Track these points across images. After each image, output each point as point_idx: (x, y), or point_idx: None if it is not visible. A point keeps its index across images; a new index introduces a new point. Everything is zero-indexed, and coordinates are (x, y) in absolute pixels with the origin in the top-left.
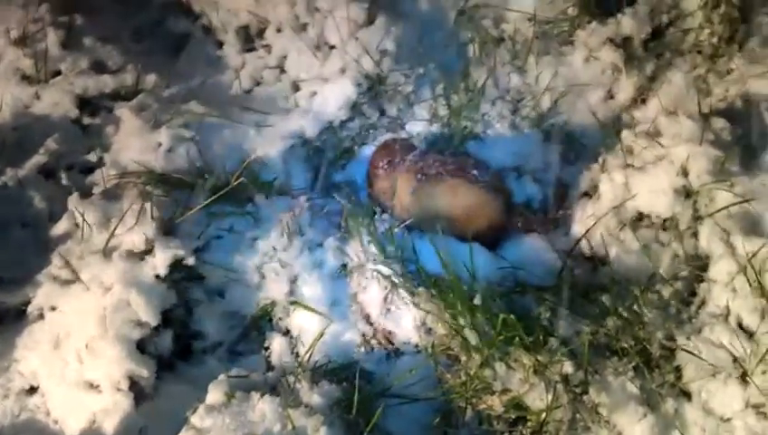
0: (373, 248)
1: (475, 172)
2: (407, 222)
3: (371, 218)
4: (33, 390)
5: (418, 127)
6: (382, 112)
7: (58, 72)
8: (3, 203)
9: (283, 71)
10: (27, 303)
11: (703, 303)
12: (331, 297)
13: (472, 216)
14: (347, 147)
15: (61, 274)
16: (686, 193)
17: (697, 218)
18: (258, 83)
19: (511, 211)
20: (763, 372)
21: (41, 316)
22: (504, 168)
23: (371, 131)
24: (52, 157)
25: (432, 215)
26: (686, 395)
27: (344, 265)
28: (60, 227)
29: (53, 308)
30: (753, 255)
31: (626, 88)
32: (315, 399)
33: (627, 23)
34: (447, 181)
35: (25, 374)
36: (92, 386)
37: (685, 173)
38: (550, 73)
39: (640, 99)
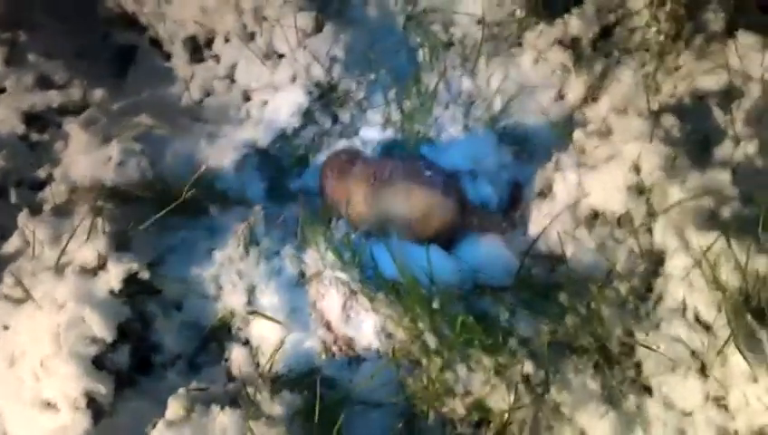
0: (330, 255)
1: (428, 174)
2: (363, 228)
3: (327, 226)
4: None
5: (372, 133)
6: (335, 119)
7: (3, 90)
8: None
9: (232, 80)
10: None
11: (660, 298)
12: (290, 306)
13: (426, 218)
14: (301, 155)
15: (12, 292)
16: (639, 190)
17: (651, 214)
18: (208, 94)
19: (466, 212)
20: (722, 365)
21: None
22: (458, 170)
23: (325, 138)
24: (1, 174)
25: (386, 219)
26: (647, 390)
27: (302, 273)
28: (10, 245)
29: (6, 327)
30: (708, 248)
31: (576, 88)
32: (276, 409)
33: (574, 23)
34: (400, 185)
35: None
36: (49, 405)
37: (637, 170)
38: (500, 76)
39: (591, 98)
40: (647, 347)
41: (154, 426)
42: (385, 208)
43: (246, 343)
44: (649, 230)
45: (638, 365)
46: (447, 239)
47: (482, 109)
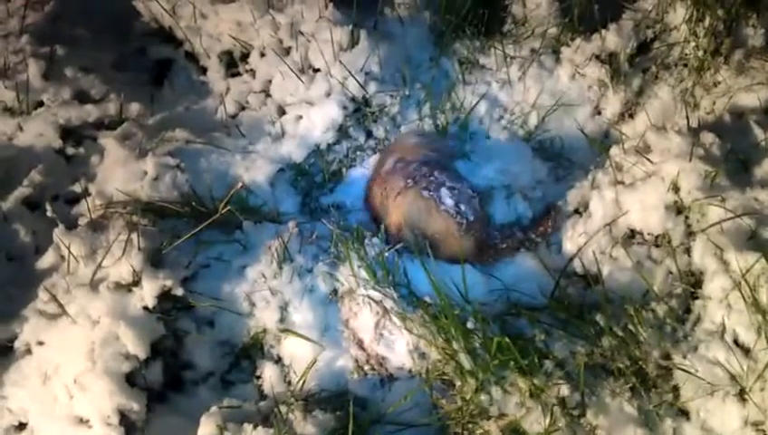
0: (364, 273)
1: (449, 202)
2: (397, 246)
3: (361, 243)
4: (22, 426)
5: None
6: (369, 134)
7: (40, 103)
8: None
9: (268, 95)
10: (14, 338)
11: (698, 320)
12: (323, 324)
13: (444, 241)
14: (334, 170)
15: (47, 308)
16: (678, 209)
17: (690, 234)
18: (243, 108)
19: (486, 245)
20: (761, 389)
21: (28, 351)
22: (493, 186)
23: (359, 153)
24: (37, 188)
25: (418, 236)
26: (685, 414)
27: (335, 291)
28: (45, 260)
29: (41, 343)
30: (748, 270)
31: (613, 104)
32: (309, 429)
33: (611, 38)
34: (422, 202)
35: (14, 411)
36: (82, 421)
37: (676, 189)
38: (536, 91)
39: (628, 114)
40: (684, 370)
41: None
42: (416, 224)
43: (278, 360)
44: (687, 251)
45: (675, 389)
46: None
47: (517, 124)
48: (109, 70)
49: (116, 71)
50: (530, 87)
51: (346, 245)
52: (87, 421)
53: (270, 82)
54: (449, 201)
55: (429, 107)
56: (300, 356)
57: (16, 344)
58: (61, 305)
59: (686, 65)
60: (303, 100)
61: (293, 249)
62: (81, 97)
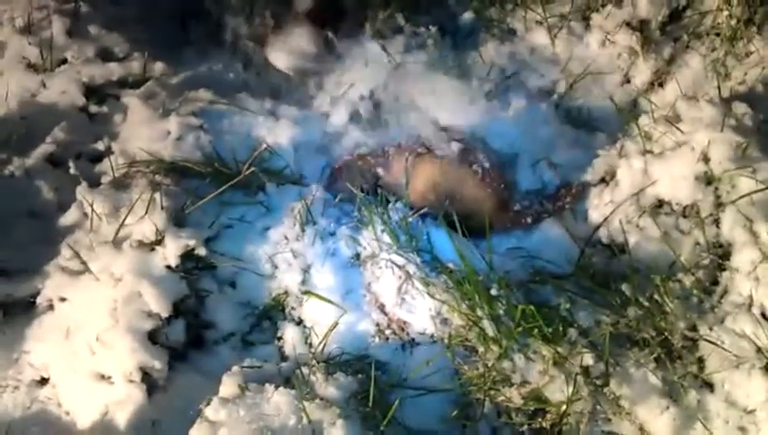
0: (387, 238)
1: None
2: (421, 211)
3: (385, 207)
4: (44, 381)
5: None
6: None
7: (64, 61)
8: (10, 193)
9: None
10: (36, 294)
11: (725, 292)
12: (345, 287)
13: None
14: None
15: (70, 265)
16: (708, 180)
17: (719, 205)
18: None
19: (508, 207)
20: None
21: (50, 308)
22: (518, 153)
23: (379, 117)
24: (60, 146)
25: (441, 200)
26: (709, 386)
27: (357, 255)
28: (68, 218)
29: (63, 299)
30: None
31: (643, 72)
32: (331, 391)
33: (643, 5)
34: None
35: (36, 366)
36: (104, 377)
37: (706, 159)
38: (565, 57)
39: (658, 83)
40: (710, 342)
41: (208, 403)
42: (440, 189)
43: (300, 322)
44: (716, 222)
45: (700, 360)
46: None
47: (545, 91)
48: (133, 28)
49: (140, 29)
50: (559, 53)
51: (369, 209)
52: (109, 378)
53: None
54: (458, 146)
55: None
56: (321, 319)
57: (39, 300)
58: (84, 262)
59: (718, 34)
60: None
61: (316, 212)
62: (105, 55)
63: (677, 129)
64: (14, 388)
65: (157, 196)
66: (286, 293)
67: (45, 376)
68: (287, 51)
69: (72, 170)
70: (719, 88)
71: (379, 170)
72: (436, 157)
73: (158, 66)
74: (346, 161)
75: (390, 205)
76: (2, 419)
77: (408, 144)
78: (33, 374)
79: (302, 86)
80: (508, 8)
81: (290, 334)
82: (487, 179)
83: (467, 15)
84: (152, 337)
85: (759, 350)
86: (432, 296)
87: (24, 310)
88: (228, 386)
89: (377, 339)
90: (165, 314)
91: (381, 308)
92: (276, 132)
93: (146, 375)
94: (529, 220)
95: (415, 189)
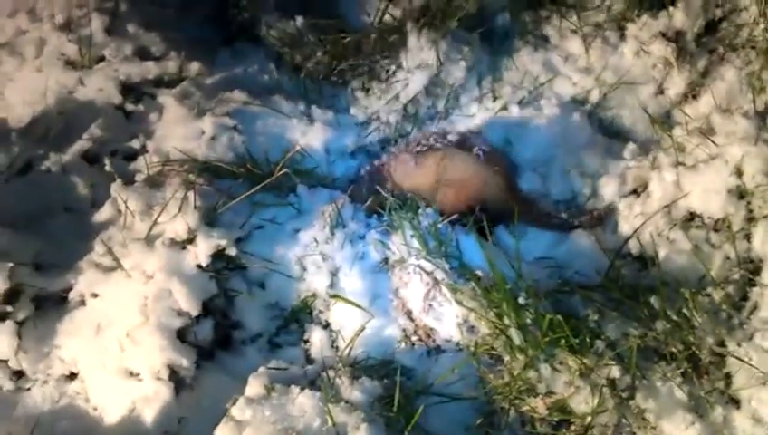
0: (416, 243)
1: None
2: (451, 217)
3: (415, 212)
4: (73, 376)
5: (464, 118)
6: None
7: (102, 58)
8: (46, 188)
9: None
10: (69, 289)
11: (755, 308)
12: (372, 291)
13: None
14: (390, 138)
15: (103, 261)
16: (740, 194)
17: (751, 220)
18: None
19: (512, 191)
20: None
21: (82, 303)
22: (549, 161)
23: (415, 123)
24: (96, 143)
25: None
26: (736, 403)
27: (386, 260)
28: (102, 214)
29: (95, 295)
30: None
31: (677, 83)
32: (356, 395)
33: (679, 16)
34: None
35: (66, 360)
36: (133, 374)
37: (739, 173)
38: (600, 67)
39: (692, 95)
40: (738, 358)
41: (234, 402)
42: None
43: (327, 326)
44: (748, 237)
45: (727, 376)
46: (490, 215)
47: (579, 100)
48: (170, 28)
49: (177, 29)
50: (593, 62)
51: (399, 213)
52: (137, 375)
53: None
54: (455, 137)
55: (491, 79)
56: (348, 323)
57: (71, 295)
58: (116, 259)
59: (753, 47)
60: None
61: (346, 216)
62: (142, 54)
63: (711, 141)
64: (44, 382)
65: (190, 195)
66: (314, 295)
67: (75, 371)
68: None
69: (107, 167)
70: (754, 101)
71: (392, 172)
72: (438, 150)
73: (194, 66)
74: (371, 168)
75: (420, 210)
76: (31, 412)
77: (411, 145)
78: (62, 369)
79: (339, 88)
80: (543, 15)
81: (316, 337)
82: (491, 159)
83: (502, 22)
84: (181, 335)
85: None
86: (459, 303)
87: (56, 304)
88: (254, 386)
89: (403, 345)
90: (194, 313)
91: (408, 314)
92: (309, 135)
93: (173, 373)
94: (556, 226)
95: (421, 184)
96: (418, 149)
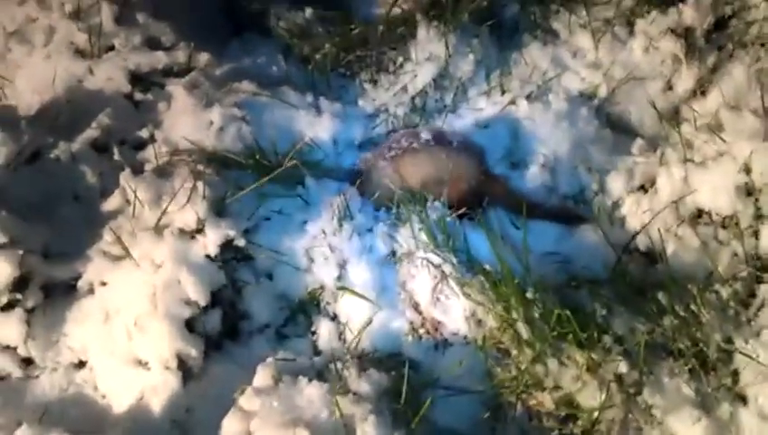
0: (424, 236)
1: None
2: (459, 211)
3: (423, 206)
4: (81, 364)
5: (471, 112)
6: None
7: (111, 48)
8: (55, 176)
9: None
10: (78, 277)
11: (762, 305)
12: (380, 284)
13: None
14: (397, 130)
15: (111, 249)
16: (748, 191)
17: (759, 217)
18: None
19: (487, 179)
20: None
21: (91, 291)
22: (558, 157)
23: (421, 117)
24: (105, 132)
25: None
26: (742, 399)
27: (393, 252)
28: (111, 203)
29: (104, 283)
30: None
31: (686, 79)
32: (363, 387)
33: (688, 13)
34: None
35: (74, 348)
36: (141, 363)
37: (747, 170)
38: (608, 62)
39: (700, 91)
40: (745, 355)
41: (242, 392)
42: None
43: (334, 317)
44: (756, 234)
45: (734, 373)
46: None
47: (587, 95)
48: (180, 18)
49: (186, 19)
50: (601, 57)
51: (407, 206)
52: (146, 363)
53: None
54: (426, 135)
55: (498, 74)
56: (355, 315)
57: (79, 284)
58: (125, 248)
59: (762, 45)
60: None
61: (354, 208)
62: (152, 43)
63: (719, 138)
64: (53, 369)
65: (199, 185)
66: (322, 287)
67: (83, 359)
68: None
69: (115, 156)
70: (762, 98)
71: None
72: (417, 147)
73: (203, 57)
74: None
75: (429, 203)
76: (39, 400)
77: (384, 152)
78: (71, 357)
79: (348, 80)
80: (552, 10)
81: (324, 329)
82: (465, 148)
83: (512, 15)
84: (189, 325)
85: None
86: (467, 297)
87: (65, 293)
88: (262, 377)
89: (410, 337)
90: (203, 303)
91: (416, 307)
92: (317, 126)
93: (182, 362)
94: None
95: (409, 181)
96: (392, 154)
